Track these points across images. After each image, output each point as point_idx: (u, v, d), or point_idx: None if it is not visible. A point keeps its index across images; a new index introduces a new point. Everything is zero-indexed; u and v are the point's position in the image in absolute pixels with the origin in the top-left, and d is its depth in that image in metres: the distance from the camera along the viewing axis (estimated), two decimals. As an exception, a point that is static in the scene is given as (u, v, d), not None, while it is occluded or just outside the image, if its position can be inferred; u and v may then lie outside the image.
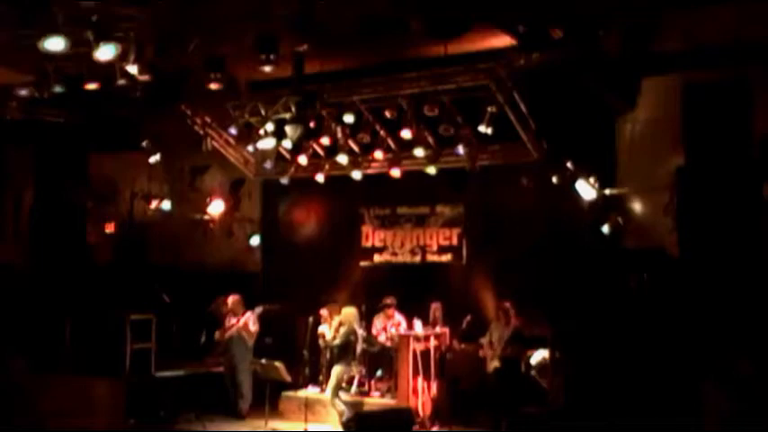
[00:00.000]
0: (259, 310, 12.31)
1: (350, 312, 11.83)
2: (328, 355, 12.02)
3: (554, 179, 11.11)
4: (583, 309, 10.27)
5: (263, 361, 11.62)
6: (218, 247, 14.82)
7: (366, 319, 12.44)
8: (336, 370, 11.58)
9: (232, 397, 12.23)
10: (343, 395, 11.73)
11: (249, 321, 12.24)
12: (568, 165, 10.97)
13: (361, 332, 11.98)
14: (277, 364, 11.39)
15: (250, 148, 13.35)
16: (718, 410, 8.59)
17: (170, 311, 12.80)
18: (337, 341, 11.68)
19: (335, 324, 11.87)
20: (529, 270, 11.77)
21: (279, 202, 14.72)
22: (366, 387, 12.32)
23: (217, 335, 12.39)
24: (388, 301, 12.54)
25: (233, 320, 12.33)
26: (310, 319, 12.27)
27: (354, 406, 11.55)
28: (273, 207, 14.81)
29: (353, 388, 12.22)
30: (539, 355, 11.06)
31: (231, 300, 12.41)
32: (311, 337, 12.09)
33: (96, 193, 15.12)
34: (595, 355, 9.85)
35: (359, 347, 11.91)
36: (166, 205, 14.11)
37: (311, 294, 13.08)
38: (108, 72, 9.53)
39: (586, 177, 10.92)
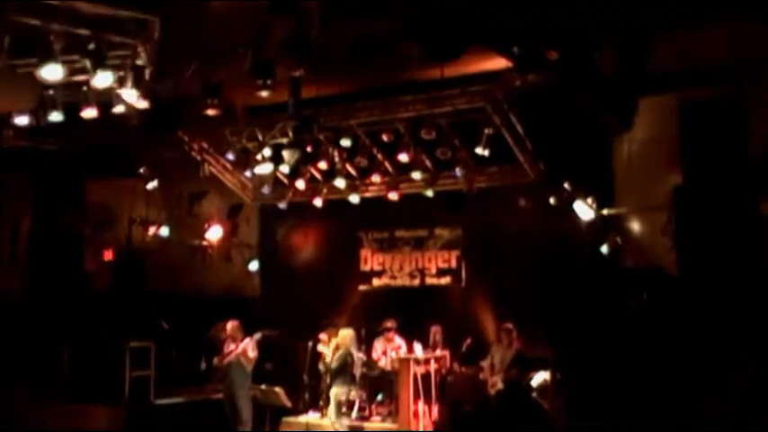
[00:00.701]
0: (258, 336, 12.22)
1: (346, 334, 11.80)
2: (328, 380, 11.97)
3: (552, 200, 11.13)
4: (583, 329, 10.22)
5: (263, 386, 11.57)
6: (216, 272, 14.77)
7: (366, 343, 12.40)
8: (334, 392, 11.56)
9: (231, 424, 12.13)
10: (344, 420, 11.66)
11: (248, 347, 12.14)
12: (566, 185, 10.98)
13: (359, 355, 11.94)
14: (277, 389, 11.34)
15: (248, 173, 13.39)
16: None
17: (169, 338, 12.74)
18: (334, 363, 11.65)
19: (333, 347, 11.85)
20: (528, 291, 11.76)
21: (277, 226, 14.72)
22: (367, 412, 12.24)
23: (215, 361, 12.32)
24: (389, 324, 12.51)
25: (232, 346, 12.23)
26: (310, 343, 12.21)
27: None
28: (271, 232, 14.80)
29: (354, 413, 12.15)
30: (540, 377, 10.99)
31: (230, 325, 12.31)
32: (311, 361, 12.02)
33: (94, 221, 15.08)
34: (596, 376, 9.80)
35: (356, 370, 11.86)
36: (164, 231, 14.06)
37: (310, 319, 13.02)
38: (105, 99, 9.54)
39: (584, 198, 10.93)
